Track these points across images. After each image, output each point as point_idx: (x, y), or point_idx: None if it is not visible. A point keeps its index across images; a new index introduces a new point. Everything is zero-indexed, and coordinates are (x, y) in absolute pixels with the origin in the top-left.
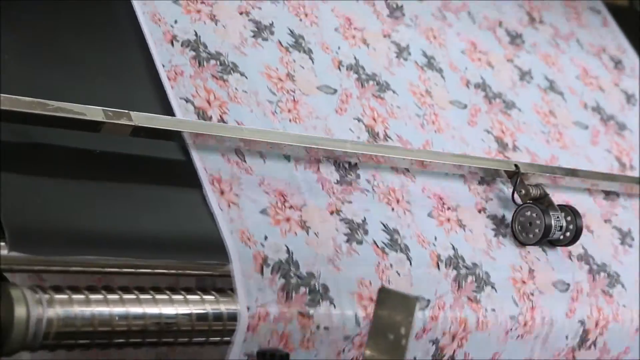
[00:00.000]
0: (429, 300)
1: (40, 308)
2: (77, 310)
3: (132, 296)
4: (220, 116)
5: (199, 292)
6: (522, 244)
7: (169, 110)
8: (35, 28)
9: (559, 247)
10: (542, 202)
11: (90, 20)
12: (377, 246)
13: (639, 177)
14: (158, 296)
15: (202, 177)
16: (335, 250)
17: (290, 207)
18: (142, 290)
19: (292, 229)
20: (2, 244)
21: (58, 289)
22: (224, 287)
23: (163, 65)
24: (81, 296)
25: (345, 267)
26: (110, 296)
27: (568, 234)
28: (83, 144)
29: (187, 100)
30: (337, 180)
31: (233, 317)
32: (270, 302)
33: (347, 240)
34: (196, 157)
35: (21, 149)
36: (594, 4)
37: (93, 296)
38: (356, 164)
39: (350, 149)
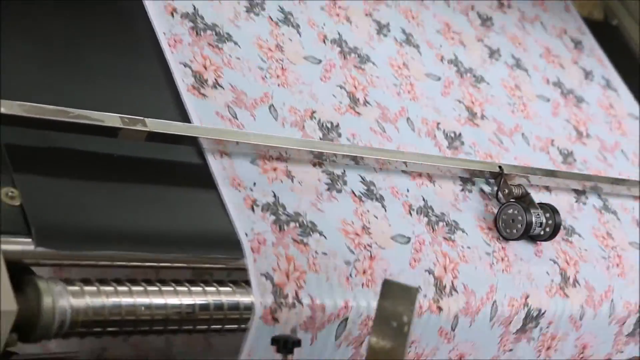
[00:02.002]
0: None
1: (66, 299)
2: (105, 300)
3: (155, 288)
4: (215, 80)
5: (215, 284)
6: (505, 239)
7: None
8: (57, 40)
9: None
10: (524, 201)
11: (107, 32)
12: (355, 195)
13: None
14: (178, 288)
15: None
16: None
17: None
18: (164, 282)
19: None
20: (29, 240)
21: (87, 281)
22: (238, 279)
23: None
24: (109, 288)
25: (327, 210)
26: (135, 288)
27: (547, 229)
28: (102, 148)
29: (185, 65)
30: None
31: (248, 307)
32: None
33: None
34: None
35: (44, 154)
36: None
37: (119, 288)
38: (338, 123)
39: (347, 151)
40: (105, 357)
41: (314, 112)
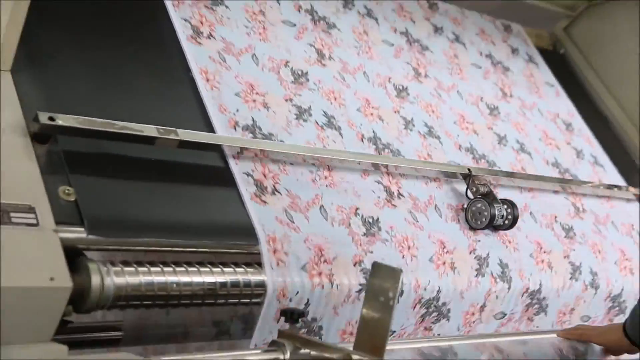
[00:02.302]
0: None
1: (110, 277)
2: (142, 278)
3: (182, 269)
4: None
5: (232, 265)
6: (472, 228)
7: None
8: (108, 67)
9: None
10: (488, 197)
11: (146, 60)
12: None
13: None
14: (202, 269)
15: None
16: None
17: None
18: (190, 264)
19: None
20: (82, 229)
21: (127, 263)
22: (251, 262)
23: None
24: (144, 268)
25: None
26: (166, 269)
27: (507, 221)
28: (141, 153)
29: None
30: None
31: (260, 284)
32: None
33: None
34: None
35: (95, 158)
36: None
37: (153, 268)
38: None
39: (351, 157)
40: (142, 326)
41: None
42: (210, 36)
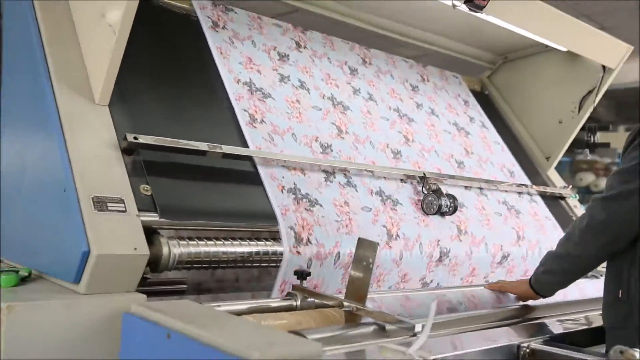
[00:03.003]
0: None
1: (176, 248)
2: (198, 249)
3: (228, 242)
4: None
5: (259, 240)
6: (426, 214)
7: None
8: (174, 101)
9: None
10: (437, 192)
11: (201, 95)
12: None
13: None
14: (239, 242)
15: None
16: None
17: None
18: (233, 239)
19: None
20: (156, 214)
21: (187, 238)
22: (273, 237)
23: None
24: (199, 242)
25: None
26: (216, 242)
27: (450, 209)
28: (197, 162)
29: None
30: (320, 152)
31: (278, 253)
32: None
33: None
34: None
35: (165, 165)
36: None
37: (205, 242)
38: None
39: (345, 165)
40: (199, 281)
41: None
42: (262, 121)
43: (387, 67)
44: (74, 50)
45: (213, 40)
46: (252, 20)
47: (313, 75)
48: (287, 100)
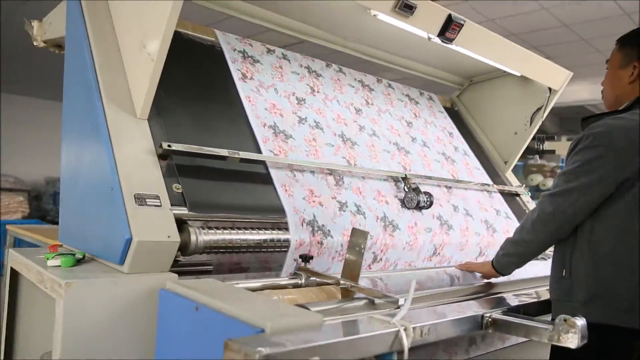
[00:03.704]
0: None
1: (201, 235)
2: (220, 236)
3: (246, 231)
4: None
5: (270, 229)
6: (407, 208)
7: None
8: (201, 116)
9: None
10: (416, 190)
11: (223, 112)
12: (352, 212)
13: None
14: (255, 231)
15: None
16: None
17: (314, 195)
18: (247, 228)
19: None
20: (185, 208)
21: (211, 227)
22: (282, 227)
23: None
24: (223, 230)
25: (338, 222)
26: (234, 231)
27: (427, 203)
28: (218, 165)
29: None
30: (334, 184)
31: (287, 240)
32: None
33: (339, 209)
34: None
35: (193, 167)
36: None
37: (226, 231)
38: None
39: (341, 168)
40: (221, 263)
41: None
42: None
43: (386, 107)
44: (120, 75)
45: (243, 90)
46: (275, 70)
47: (326, 115)
48: (305, 140)
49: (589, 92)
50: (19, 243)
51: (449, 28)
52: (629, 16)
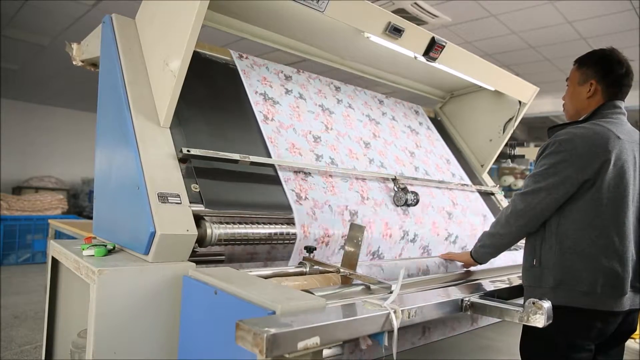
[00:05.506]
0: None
1: (216, 229)
2: (234, 230)
3: (257, 225)
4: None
5: (278, 224)
6: (397, 205)
7: (267, 154)
8: (216, 125)
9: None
10: (404, 189)
11: (237, 122)
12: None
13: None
14: (266, 225)
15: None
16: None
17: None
18: (259, 223)
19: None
20: (202, 205)
21: (225, 222)
22: (289, 222)
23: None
24: (236, 225)
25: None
26: (247, 225)
27: (414, 202)
28: (231, 167)
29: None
30: (348, 220)
31: (293, 234)
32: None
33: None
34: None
35: (209, 169)
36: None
37: (240, 225)
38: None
39: (339, 170)
40: (233, 253)
41: None
42: (306, 198)
43: (391, 139)
44: (146, 89)
45: (265, 131)
46: (293, 110)
47: (339, 152)
48: (322, 176)
49: (552, 105)
50: (59, 235)
51: (432, 49)
52: (585, 40)
